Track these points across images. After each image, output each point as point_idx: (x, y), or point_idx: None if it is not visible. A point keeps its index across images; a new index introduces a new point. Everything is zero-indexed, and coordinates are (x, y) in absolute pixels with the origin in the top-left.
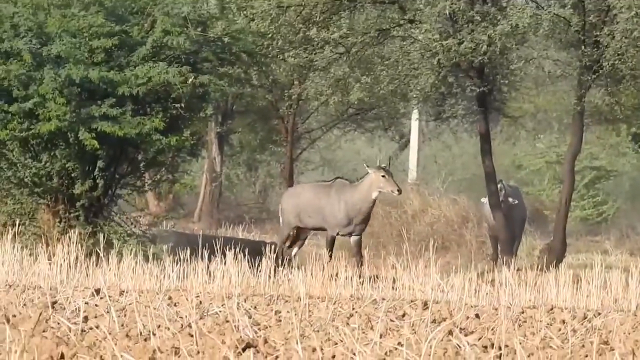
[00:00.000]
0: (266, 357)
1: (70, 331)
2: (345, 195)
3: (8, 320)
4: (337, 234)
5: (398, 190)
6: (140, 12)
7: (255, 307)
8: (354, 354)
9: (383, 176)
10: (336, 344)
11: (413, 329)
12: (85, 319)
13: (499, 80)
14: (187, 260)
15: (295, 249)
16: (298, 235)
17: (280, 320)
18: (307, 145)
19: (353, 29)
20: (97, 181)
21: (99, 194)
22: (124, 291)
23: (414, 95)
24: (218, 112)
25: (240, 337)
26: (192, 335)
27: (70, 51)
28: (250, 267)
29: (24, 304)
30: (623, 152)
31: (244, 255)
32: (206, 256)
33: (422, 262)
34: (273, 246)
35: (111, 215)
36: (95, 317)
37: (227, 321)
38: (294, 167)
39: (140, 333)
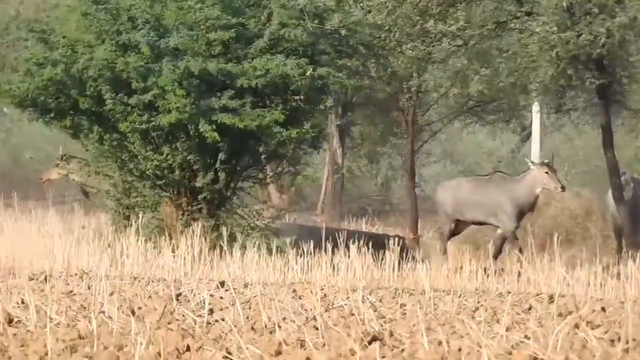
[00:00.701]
0: (392, 350)
1: (195, 323)
2: (506, 189)
3: (133, 313)
4: (514, 227)
5: (562, 187)
6: (257, 4)
7: (380, 300)
8: (480, 347)
9: (547, 172)
10: (462, 337)
11: (539, 322)
12: (211, 311)
13: (619, 72)
14: (310, 253)
15: (449, 243)
16: (457, 228)
17: (406, 314)
18: (428, 138)
19: (470, 22)
20: (219, 174)
21: (221, 187)
22: (248, 284)
23: (534, 88)
24: (338, 104)
25: (366, 330)
26: (317, 328)
27: (188, 43)
28: (374, 260)
29: (149, 296)
30: None
31: (368, 248)
32: (330, 249)
33: (546, 255)
34: (397, 239)
35: (234, 208)
36: (221, 309)
37: (353, 314)
38: (415, 159)
39: (266, 326)
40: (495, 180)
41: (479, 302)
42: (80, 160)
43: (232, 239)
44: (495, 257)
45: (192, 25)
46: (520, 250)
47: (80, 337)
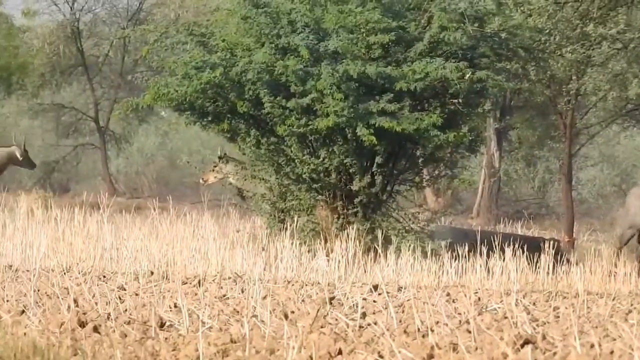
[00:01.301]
0: (544, 353)
1: (347, 327)
2: None
3: (286, 316)
4: None
5: None
6: (417, 8)
7: (533, 304)
8: (632, 350)
9: None
10: (614, 340)
11: None
12: (363, 315)
13: None
14: (465, 256)
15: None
16: None
17: (559, 317)
18: (585, 141)
19: (630, 25)
20: (375, 177)
21: (377, 190)
22: (401, 287)
23: None
24: (496, 107)
25: (519, 333)
26: (470, 332)
27: (348, 47)
28: (528, 264)
29: (302, 300)
30: None
31: (523, 252)
32: (484, 252)
33: None
34: (552, 242)
35: (389, 211)
36: (373, 313)
37: (506, 317)
38: (572, 163)
39: (418, 329)
40: None
41: (632, 304)
42: (237, 164)
43: (386, 242)
44: None
45: (352, 29)
46: None
47: (232, 341)
